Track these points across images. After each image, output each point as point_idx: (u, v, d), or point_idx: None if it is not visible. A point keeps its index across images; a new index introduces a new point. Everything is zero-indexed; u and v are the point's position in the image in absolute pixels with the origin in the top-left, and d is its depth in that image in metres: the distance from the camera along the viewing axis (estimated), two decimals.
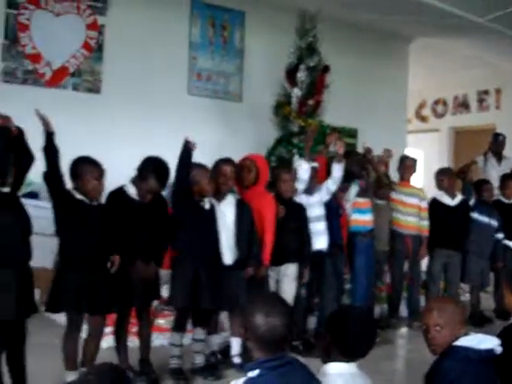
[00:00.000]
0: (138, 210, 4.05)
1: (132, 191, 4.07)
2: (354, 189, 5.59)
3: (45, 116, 3.62)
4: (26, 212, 3.51)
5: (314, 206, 5.13)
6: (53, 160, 3.59)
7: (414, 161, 6.26)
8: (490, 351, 2.61)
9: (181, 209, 4.28)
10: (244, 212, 4.55)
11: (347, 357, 2.49)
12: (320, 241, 5.10)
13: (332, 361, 2.52)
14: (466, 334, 2.69)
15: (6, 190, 3.35)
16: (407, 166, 6.18)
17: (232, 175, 4.52)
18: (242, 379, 2.21)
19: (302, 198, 5.09)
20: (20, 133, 3.47)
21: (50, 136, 3.61)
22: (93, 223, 3.73)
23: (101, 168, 3.79)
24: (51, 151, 3.59)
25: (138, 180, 4.09)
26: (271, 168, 5.24)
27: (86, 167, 3.72)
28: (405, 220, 6.08)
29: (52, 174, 3.61)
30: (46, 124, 3.61)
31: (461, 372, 2.55)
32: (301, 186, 5.08)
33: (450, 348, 2.66)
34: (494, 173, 7.95)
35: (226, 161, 4.58)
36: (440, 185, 6.24)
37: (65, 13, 6.40)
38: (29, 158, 3.52)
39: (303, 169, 5.09)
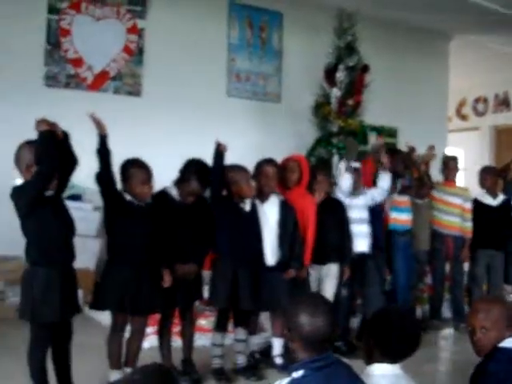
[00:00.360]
0: (180, 211, 4.08)
1: (174, 193, 4.10)
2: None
3: (99, 119, 3.67)
4: (69, 214, 3.57)
5: (358, 208, 5.08)
6: (106, 162, 3.67)
7: (457, 161, 6.18)
8: None
9: (219, 211, 4.29)
10: (288, 213, 4.53)
11: (390, 358, 2.47)
12: (362, 243, 5.07)
13: (376, 362, 2.50)
14: (511, 336, 2.65)
15: (50, 193, 3.40)
16: (452, 166, 6.10)
17: (274, 176, 4.51)
18: (286, 380, 2.21)
19: (345, 199, 5.06)
20: (65, 136, 3.53)
21: (103, 139, 3.67)
22: (140, 224, 3.77)
23: (148, 171, 3.83)
24: (105, 153, 3.66)
25: (180, 182, 4.13)
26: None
27: (134, 171, 3.77)
28: (447, 220, 6.00)
29: (104, 176, 3.68)
30: (100, 127, 3.66)
31: (506, 374, 2.51)
32: (341, 194, 5.05)
33: (495, 350, 2.62)
34: None
35: (269, 161, 4.57)
36: (483, 183, 6.15)
37: (105, 17, 6.50)
38: (73, 162, 3.58)
39: (345, 178, 5.04)
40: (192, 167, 4.13)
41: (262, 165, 4.52)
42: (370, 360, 2.55)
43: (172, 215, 4.03)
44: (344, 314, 5.13)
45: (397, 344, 2.47)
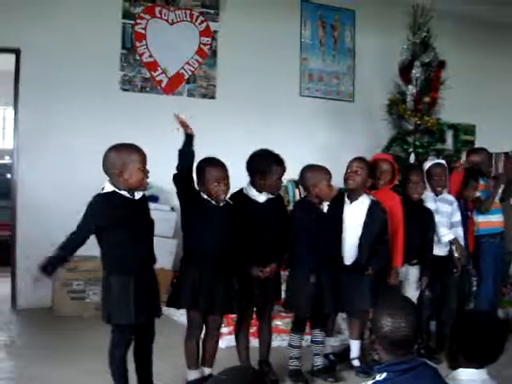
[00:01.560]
0: (261, 210, 4.07)
1: (253, 193, 4.09)
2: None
3: (185, 119, 3.67)
4: (150, 216, 3.62)
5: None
6: (189, 162, 3.68)
7: None
8: None
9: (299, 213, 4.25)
10: (376, 214, 4.44)
11: (476, 363, 2.39)
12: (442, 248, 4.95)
13: (461, 367, 2.43)
14: None
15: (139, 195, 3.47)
16: None
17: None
18: (370, 382, 2.18)
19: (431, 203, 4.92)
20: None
21: (190, 138, 3.68)
22: (217, 223, 3.78)
23: (224, 169, 3.83)
24: (189, 153, 3.67)
25: (260, 179, 4.07)
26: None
27: (208, 169, 3.78)
28: None
29: (185, 175, 3.69)
30: (185, 126, 3.67)
31: None
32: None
33: None
34: None
35: (360, 159, 4.53)
36: None
37: (178, 21, 6.58)
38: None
39: (429, 197, 4.90)
40: (267, 157, 4.10)
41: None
42: (454, 364, 2.48)
43: (253, 215, 4.02)
44: (426, 316, 5.01)
45: (482, 348, 2.39)
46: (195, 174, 3.79)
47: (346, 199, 4.42)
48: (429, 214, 4.80)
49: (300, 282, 4.18)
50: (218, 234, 3.78)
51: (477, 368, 2.40)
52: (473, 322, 2.49)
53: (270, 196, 4.11)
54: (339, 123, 6.93)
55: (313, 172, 4.24)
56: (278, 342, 4.97)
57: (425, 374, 2.20)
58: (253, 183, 4.10)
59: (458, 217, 4.98)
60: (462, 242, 4.95)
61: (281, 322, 5.23)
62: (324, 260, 4.20)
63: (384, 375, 2.16)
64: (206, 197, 3.79)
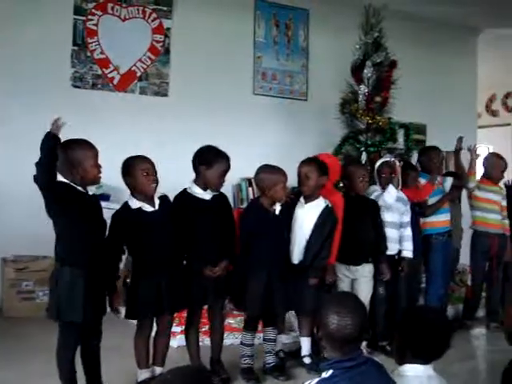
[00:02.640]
0: (207, 208, 4.05)
1: (198, 191, 4.06)
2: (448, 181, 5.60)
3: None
4: (102, 215, 3.59)
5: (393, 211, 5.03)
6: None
7: (502, 159, 6.07)
8: None
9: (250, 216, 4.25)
10: (328, 217, 4.47)
11: (422, 359, 2.43)
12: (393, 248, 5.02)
13: (407, 362, 2.46)
14: None
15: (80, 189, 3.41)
16: (496, 164, 6.01)
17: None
18: (316, 379, 2.19)
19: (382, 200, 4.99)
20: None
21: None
22: (157, 227, 3.75)
23: (151, 163, 3.78)
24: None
25: (205, 173, 4.04)
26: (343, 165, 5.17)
27: (135, 163, 3.75)
28: (492, 218, 5.90)
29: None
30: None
31: None
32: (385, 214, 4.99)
33: None
34: None
35: (308, 163, 4.54)
36: None
37: (131, 17, 6.51)
38: None
39: (390, 193, 4.98)
40: (211, 151, 4.08)
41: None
42: (401, 360, 2.51)
43: (198, 214, 4.00)
44: (383, 313, 5.06)
45: (427, 344, 2.43)
46: (122, 175, 3.75)
47: (301, 200, 4.44)
48: (376, 207, 4.88)
49: (251, 281, 4.19)
50: (161, 235, 3.75)
51: (423, 364, 2.43)
52: (419, 318, 2.53)
53: (215, 193, 4.10)
54: (293, 122, 6.96)
55: (269, 174, 4.21)
56: (231, 340, 4.98)
57: (371, 371, 2.22)
58: (197, 181, 4.08)
59: (408, 217, 5.07)
60: (409, 242, 5.04)
61: (233, 320, 5.24)
62: (275, 260, 4.21)
63: (330, 372, 2.17)
64: (138, 205, 3.75)
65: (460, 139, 5.84)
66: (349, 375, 2.15)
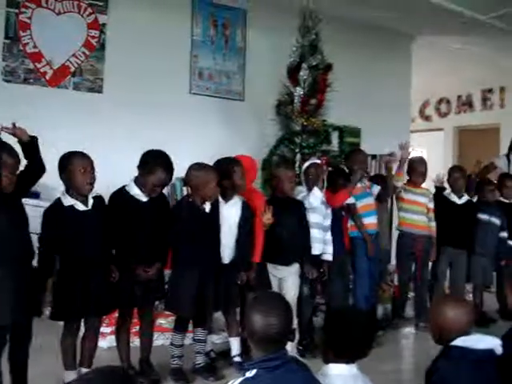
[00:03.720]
0: (142, 209, 4.01)
1: (135, 191, 4.02)
2: (375, 188, 5.69)
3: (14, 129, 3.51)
4: (24, 212, 3.50)
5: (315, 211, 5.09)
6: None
7: (425, 162, 6.21)
8: (490, 351, 2.58)
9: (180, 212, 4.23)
10: (248, 214, 4.51)
11: (345, 358, 2.46)
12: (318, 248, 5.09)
13: (332, 362, 2.49)
14: (467, 334, 2.66)
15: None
16: (419, 167, 6.14)
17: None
18: (239, 379, 2.18)
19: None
20: (33, 141, 3.47)
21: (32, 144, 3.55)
22: (86, 226, 3.69)
23: (90, 160, 3.74)
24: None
25: (143, 176, 4.03)
26: (273, 166, 5.23)
27: (73, 160, 3.69)
28: (415, 220, 6.04)
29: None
30: (20, 135, 3.51)
31: (456, 371, 2.53)
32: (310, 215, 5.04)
33: (447, 347, 2.64)
34: None
35: (236, 161, 4.57)
36: (453, 182, 6.23)
37: (66, 11, 6.37)
38: (40, 169, 3.54)
39: (315, 195, 5.03)
40: (156, 157, 4.06)
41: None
42: (326, 359, 2.54)
43: (133, 214, 3.96)
44: (308, 312, 5.14)
45: (350, 344, 2.46)
46: (59, 171, 3.68)
47: (221, 199, 4.45)
48: (302, 208, 4.93)
49: (182, 282, 4.17)
50: (89, 235, 3.68)
51: (347, 363, 2.47)
52: (342, 318, 2.56)
53: (153, 195, 4.07)
54: (230, 122, 6.95)
55: (201, 172, 4.21)
56: (162, 340, 4.96)
57: (295, 370, 2.23)
58: (137, 181, 4.04)
59: (328, 221, 5.16)
60: (330, 245, 5.12)
61: (165, 320, 5.19)
62: (206, 260, 4.20)
63: (254, 372, 2.17)
64: (71, 202, 3.68)
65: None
66: (272, 375, 2.16)
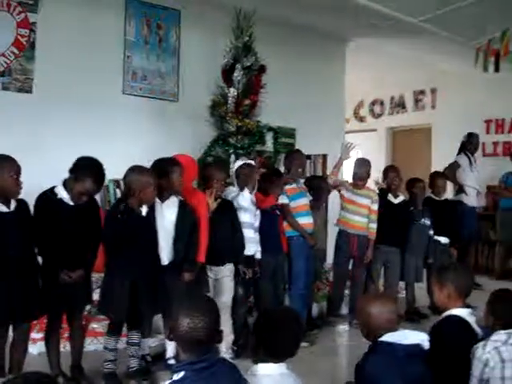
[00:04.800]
0: (68, 213, 3.94)
1: (63, 194, 3.95)
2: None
3: None
4: None
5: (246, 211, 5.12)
6: None
7: (367, 166, 6.31)
8: (417, 346, 2.64)
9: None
10: (185, 213, 4.49)
11: (274, 357, 2.48)
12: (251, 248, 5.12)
13: (261, 361, 2.50)
14: (394, 330, 2.72)
15: None
16: (355, 169, 6.24)
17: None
18: (167, 382, 2.17)
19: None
20: None
21: None
22: (5, 232, 3.60)
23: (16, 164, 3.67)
24: None
25: (72, 181, 3.97)
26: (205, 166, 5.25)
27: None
28: (355, 220, 6.13)
29: None
30: None
31: (384, 367, 2.59)
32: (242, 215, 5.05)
33: (375, 344, 2.69)
34: (475, 174, 8.18)
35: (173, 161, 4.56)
36: (392, 182, 6.35)
37: None
38: None
39: (244, 197, 5.04)
40: (86, 166, 4.00)
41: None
42: (256, 359, 2.55)
43: (59, 218, 3.89)
44: (242, 312, 5.15)
45: (278, 344, 2.48)
46: None
47: (157, 199, 4.42)
48: (233, 208, 4.97)
49: (116, 285, 4.12)
50: (12, 242, 3.60)
51: (275, 362, 2.48)
52: (270, 318, 2.58)
53: (79, 202, 4.02)
54: (164, 123, 6.88)
55: (140, 176, 4.17)
56: (95, 345, 4.88)
57: (222, 371, 2.23)
58: (66, 184, 3.97)
59: (257, 222, 5.21)
60: (258, 244, 5.18)
61: (98, 324, 5.11)
62: (141, 263, 4.16)
63: (182, 374, 2.17)
64: None
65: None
66: (200, 376, 2.15)
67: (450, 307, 3.26)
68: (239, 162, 5.24)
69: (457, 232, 7.06)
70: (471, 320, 3.23)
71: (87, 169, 3.98)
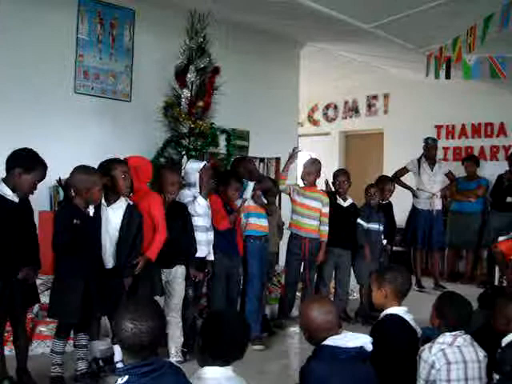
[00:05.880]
0: (14, 211, 3.87)
1: (6, 191, 3.86)
2: (250, 186, 5.69)
3: None
4: None
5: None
6: None
7: (317, 165, 6.35)
8: (360, 349, 2.67)
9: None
10: (132, 218, 4.45)
11: (220, 360, 2.47)
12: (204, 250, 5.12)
13: (207, 364, 2.49)
14: (336, 332, 2.75)
15: None
16: (312, 170, 6.28)
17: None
18: None
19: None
20: None
21: None
22: None
23: None
24: None
25: (19, 174, 3.87)
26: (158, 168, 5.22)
27: None
28: (306, 223, 6.17)
29: None
30: None
31: (327, 371, 2.61)
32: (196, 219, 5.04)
33: (318, 348, 2.72)
34: (426, 178, 8.33)
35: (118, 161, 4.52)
36: (341, 186, 6.42)
37: None
38: None
39: (200, 205, 5.03)
40: (35, 156, 3.93)
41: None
42: (203, 362, 2.54)
43: (4, 216, 3.81)
44: (192, 314, 5.16)
45: (225, 346, 2.48)
46: None
47: (104, 202, 4.37)
48: (186, 211, 4.96)
49: (66, 288, 4.06)
50: None
51: (221, 365, 2.48)
52: (215, 320, 2.58)
53: (31, 193, 3.96)
54: (116, 123, 6.81)
55: (87, 175, 4.12)
56: (42, 348, 4.81)
57: (168, 375, 2.22)
58: (6, 181, 3.89)
59: (211, 221, 5.20)
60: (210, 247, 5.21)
61: (45, 327, 5.02)
62: (92, 263, 4.13)
63: (126, 378, 2.15)
64: None
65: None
66: (144, 380, 2.14)
67: (387, 306, 3.38)
68: (191, 164, 5.24)
69: (391, 234, 7.19)
70: (409, 318, 3.34)
71: (34, 157, 3.93)
